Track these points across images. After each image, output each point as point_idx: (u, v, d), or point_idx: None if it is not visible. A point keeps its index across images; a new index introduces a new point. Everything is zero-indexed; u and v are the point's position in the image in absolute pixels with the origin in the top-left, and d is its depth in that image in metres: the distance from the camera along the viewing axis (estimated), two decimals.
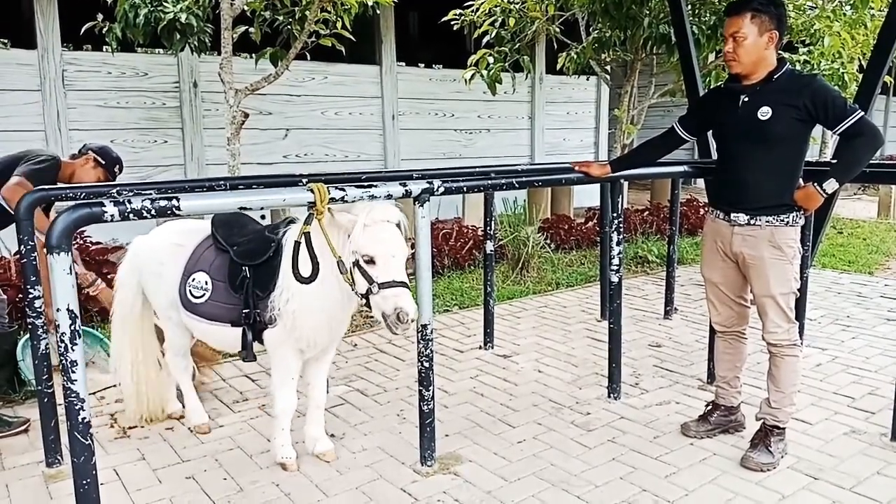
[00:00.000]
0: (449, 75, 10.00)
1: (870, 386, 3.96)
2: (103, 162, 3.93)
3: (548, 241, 7.30)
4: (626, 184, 10.79)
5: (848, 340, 4.78)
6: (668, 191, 6.07)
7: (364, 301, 2.70)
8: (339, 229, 2.72)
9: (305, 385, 3.20)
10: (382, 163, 9.57)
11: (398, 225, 2.74)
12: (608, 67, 7.54)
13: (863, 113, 2.80)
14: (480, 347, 4.72)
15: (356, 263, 2.66)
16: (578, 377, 4.18)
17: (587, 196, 9.65)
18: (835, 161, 2.99)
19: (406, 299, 2.61)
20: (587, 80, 10.58)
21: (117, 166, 4.00)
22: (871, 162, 3.08)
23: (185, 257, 3.15)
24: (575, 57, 6.96)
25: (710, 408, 3.41)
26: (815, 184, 2.86)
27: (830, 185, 2.84)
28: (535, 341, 4.87)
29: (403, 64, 9.80)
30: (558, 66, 7.39)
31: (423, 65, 10.09)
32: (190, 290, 3.09)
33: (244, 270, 2.96)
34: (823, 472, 3.02)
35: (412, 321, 2.61)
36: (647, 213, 8.83)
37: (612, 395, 3.82)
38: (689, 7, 6.27)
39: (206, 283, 3.05)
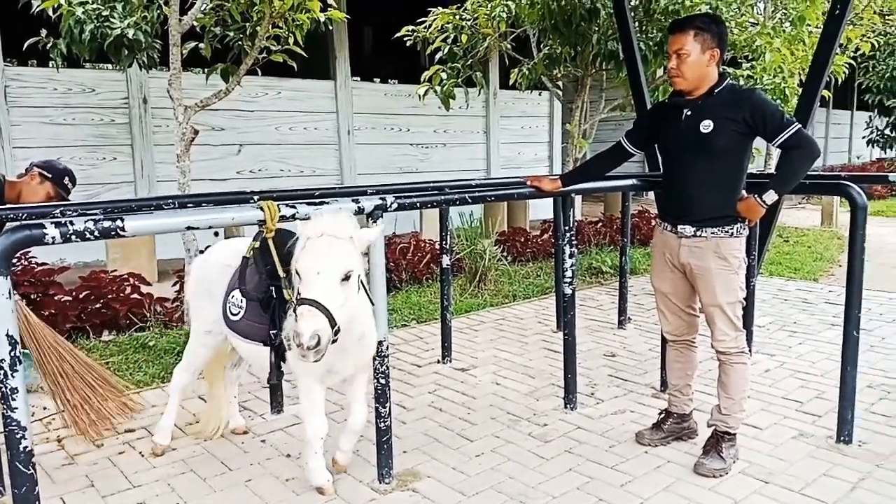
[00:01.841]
0: (404, 90, 10.04)
1: (816, 390, 4.08)
2: (50, 175, 3.80)
3: (504, 254, 7.35)
4: (578, 197, 10.97)
5: (795, 346, 4.92)
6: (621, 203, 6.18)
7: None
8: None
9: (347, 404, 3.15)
10: (339, 178, 9.53)
11: (350, 239, 2.55)
12: (559, 83, 7.66)
13: (800, 126, 2.91)
14: (438, 361, 4.72)
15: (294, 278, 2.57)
16: (535, 389, 4.21)
17: (542, 209, 9.76)
18: (774, 173, 3.09)
19: (305, 321, 2.37)
20: (539, 95, 10.72)
21: (66, 178, 3.86)
22: (811, 173, 3.19)
23: (230, 275, 3.12)
24: (527, 73, 7.06)
25: (663, 416, 3.47)
26: (756, 196, 2.95)
27: (770, 196, 2.94)
28: (492, 354, 4.89)
29: (358, 79, 9.80)
30: (510, 82, 7.48)
31: (378, 80, 10.11)
32: (229, 308, 3.06)
33: (271, 290, 2.85)
34: (773, 475, 3.09)
35: (308, 349, 2.35)
36: (600, 224, 8.98)
37: (568, 405, 3.86)
38: (637, 24, 6.42)
39: (241, 301, 3.00)
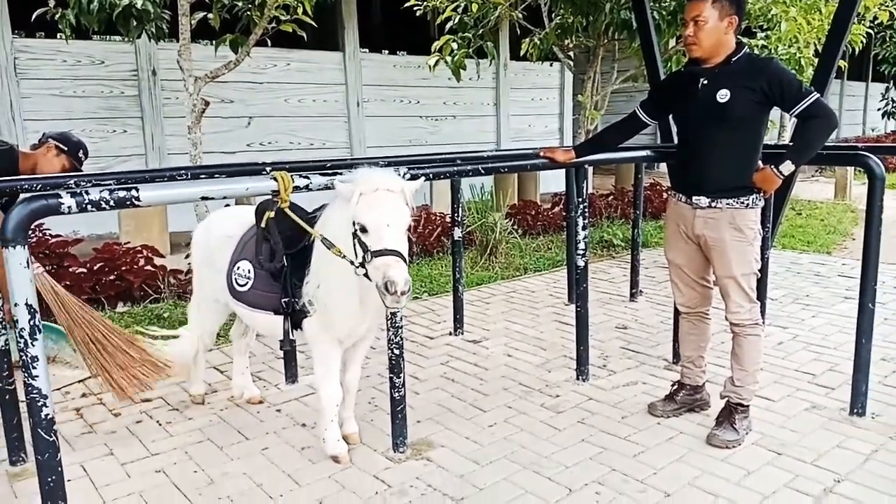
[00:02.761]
0: (413, 62, 9.94)
1: (829, 363, 4.07)
2: (66, 148, 3.79)
3: (515, 227, 7.33)
4: (590, 169, 10.90)
5: (808, 319, 4.91)
6: (633, 175, 6.14)
7: (364, 272, 2.58)
8: (342, 200, 2.64)
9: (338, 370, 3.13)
10: (348, 150, 9.50)
11: (401, 193, 2.62)
12: (571, 53, 7.58)
13: (818, 95, 2.86)
14: (450, 333, 4.74)
15: (355, 233, 2.59)
16: (547, 360, 4.22)
17: (554, 181, 9.71)
18: (791, 143, 3.05)
19: (395, 269, 2.45)
20: (550, 66, 10.62)
21: (81, 151, 3.87)
22: (827, 144, 3.16)
23: (232, 247, 3.15)
24: (538, 43, 6.98)
25: (675, 387, 3.48)
26: (772, 166, 2.92)
27: (786, 167, 2.90)
28: (504, 326, 4.90)
29: (367, 50, 9.72)
30: (521, 53, 7.40)
31: (387, 51, 10.02)
32: (235, 279, 3.08)
33: (283, 259, 2.90)
34: (786, 447, 3.10)
35: (402, 293, 2.45)
36: (611, 197, 8.92)
37: (580, 377, 3.87)
38: None
39: (249, 271, 3.03)
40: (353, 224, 2.57)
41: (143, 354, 3.56)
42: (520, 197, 9.35)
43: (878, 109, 17.71)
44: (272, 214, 2.82)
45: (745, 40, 7.20)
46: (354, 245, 2.59)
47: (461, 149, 9.41)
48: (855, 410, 3.37)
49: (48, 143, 3.74)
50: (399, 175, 2.79)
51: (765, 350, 4.18)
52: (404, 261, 2.51)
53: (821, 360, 4.12)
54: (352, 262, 2.60)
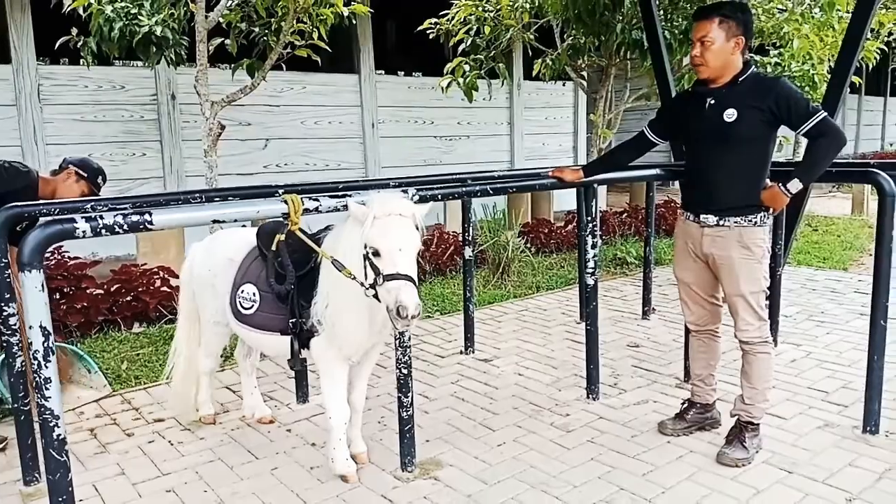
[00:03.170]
0: (428, 83, 10.04)
1: (843, 380, 4.03)
2: (86, 175, 3.88)
3: (528, 245, 7.35)
4: (603, 187, 10.89)
5: (822, 336, 4.87)
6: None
7: (374, 294, 2.63)
8: (355, 222, 2.70)
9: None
10: (363, 171, 9.58)
11: (413, 217, 2.67)
12: (584, 73, 7.62)
13: (825, 114, 2.87)
14: (461, 352, 4.75)
15: (366, 256, 2.64)
16: (558, 379, 4.22)
17: (567, 200, 9.72)
18: (799, 161, 3.06)
19: (406, 293, 2.51)
20: (563, 85, 10.66)
21: (100, 177, 3.96)
22: (838, 161, 3.16)
23: (234, 270, 3.20)
24: (550, 63, 7.03)
25: (685, 406, 3.46)
26: (780, 184, 2.93)
27: (794, 185, 2.91)
28: (515, 345, 4.91)
29: (383, 72, 9.84)
30: (534, 73, 7.46)
31: (402, 73, 10.13)
32: (240, 302, 3.13)
33: (290, 281, 2.95)
34: (797, 465, 3.07)
35: (413, 317, 2.52)
36: (625, 215, 8.92)
37: (590, 395, 3.87)
38: (661, 12, 6.36)
39: (254, 294, 3.09)
40: (365, 247, 2.62)
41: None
42: (533, 215, 9.37)
43: None
44: (282, 237, 2.87)
45: (757, 58, 7.21)
46: (365, 267, 2.64)
47: (475, 168, 9.45)
48: (868, 428, 3.33)
49: (68, 168, 3.82)
50: (409, 198, 2.84)
51: (777, 367, 4.18)
52: (415, 284, 2.57)
53: (834, 377, 4.09)
54: (362, 284, 2.65)
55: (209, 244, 3.48)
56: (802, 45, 6.54)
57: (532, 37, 7.10)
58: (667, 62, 5.86)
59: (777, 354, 4.49)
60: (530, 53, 7.53)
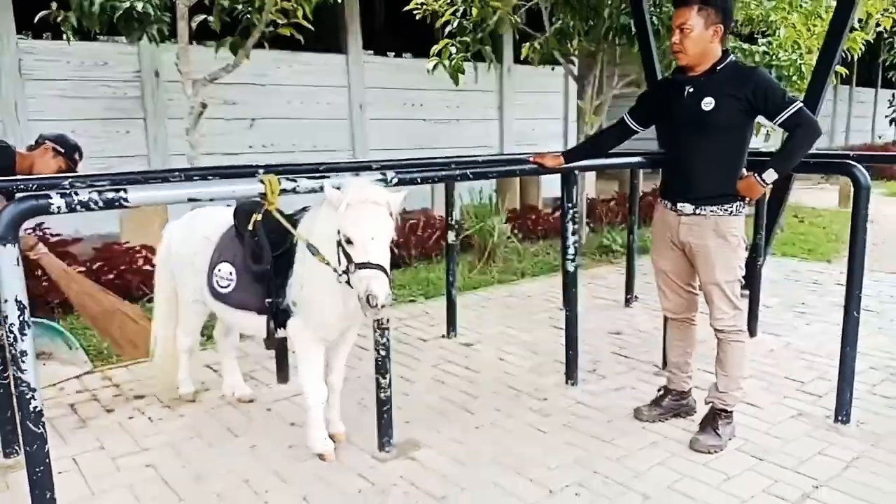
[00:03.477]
0: (416, 65, 9.95)
1: (819, 371, 4.08)
2: (62, 151, 3.87)
3: (515, 232, 7.36)
4: (592, 174, 10.89)
5: (802, 327, 4.92)
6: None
7: (346, 280, 2.65)
8: (329, 207, 2.70)
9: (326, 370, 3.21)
10: (351, 153, 9.54)
11: (387, 205, 2.66)
12: (573, 58, 7.59)
13: (801, 105, 2.88)
14: (444, 336, 4.77)
15: (339, 242, 2.65)
16: (539, 364, 4.26)
17: (556, 187, 9.64)
18: (774, 152, 3.08)
19: (377, 283, 2.54)
20: (552, 70, 10.63)
21: (77, 153, 3.95)
22: (815, 152, 3.18)
23: (211, 248, 3.20)
24: (538, 47, 7.01)
25: (661, 392, 3.50)
26: (756, 174, 2.95)
27: (769, 174, 2.93)
28: (498, 330, 4.94)
29: (371, 52, 9.76)
30: (522, 57, 7.43)
31: (392, 54, 10.06)
32: (217, 281, 3.13)
33: (267, 261, 2.94)
34: (769, 453, 3.12)
35: (383, 306, 2.55)
36: (613, 202, 8.94)
37: (569, 381, 3.90)
38: None
39: (231, 273, 3.09)
40: (339, 234, 2.63)
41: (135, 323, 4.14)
42: (522, 201, 9.38)
43: (886, 116, 17.63)
44: (259, 217, 2.87)
45: (745, 46, 7.21)
46: (339, 253, 2.65)
47: (464, 152, 9.41)
48: (840, 418, 3.39)
49: (45, 144, 3.80)
50: (388, 181, 2.84)
51: (755, 357, 4.23)
52: (386, 274, 2.57)
53: (811, 368, 4.14)
54: (335, 270, 2.66)
55: (187, 222, 3.47)
56: (789, 35, 6.55)
57: (518, 20, 7.05)
58: (654, 48, 5.85)
59: (756, 344, 4.54)
60: (517, 37, 7.48)
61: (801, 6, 6.86)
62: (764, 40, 7.26)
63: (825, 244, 7.91)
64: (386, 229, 2.64)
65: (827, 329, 4.84)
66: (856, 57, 7.70)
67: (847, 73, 6.95)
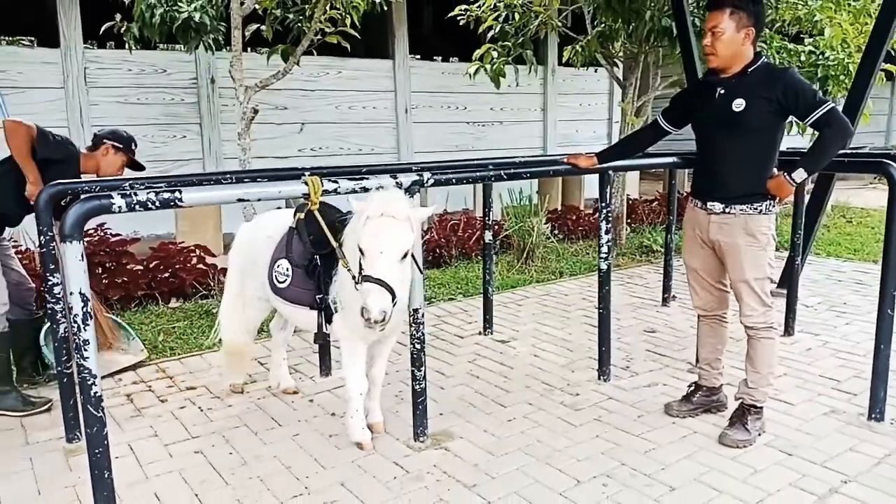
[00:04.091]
0: (461, 69, 10.10)
1: (855, 369, 4.07)
2: (121, 146, 4.10)
3: (555, 232, 7.44)
4: (636, 175, 10.84)
5: (841, 326, 4.88)
6: (680, 181, 6.15)
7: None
8: (357, 217, 2.83)
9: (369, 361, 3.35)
10: (396, 156, 9.74)
11: (407, 219, 2.73)
12: (617, 60, 7.62)
13: (832, 105, 2.92)
14: (480, 333, 4.90)
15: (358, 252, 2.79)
16: (572, 361, 4.34)
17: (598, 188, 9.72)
18: (805, 151, 3.11)
19: (373, 298, 2.61)
20: (595, 71, 10.66)
21: (133, 144, 4.16)
22: (856, 151, 3.20)
23: (273, 246, 3.39)
24: (580, 50, 7.07)
25: (692, 388, 3.56)
26: (785, 173, 2.99)
27: (799, 174, 2.97)
28: (533, 327, 5.03)
29: (418, 57, 9.95)
30: (564, 59, 7.50)
31: (440, 58, 10.23)
32: (276, 276, 3.33)
33: (315, 258, 3.13)
34: (798, 448, 3.15)
35: (375, 322, 2.61)
36: (655, 203, 8.92)
37: (601, 377, 3.98)
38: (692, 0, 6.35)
39: (288, 269, 3.27)
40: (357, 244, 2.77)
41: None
42: (564, 202, 9.44)
43: None
44: (302, 216, 3.05)
45: (791, 46, 7.13)
46: (358, 262, 2.80)
47: (507, 154, 9.53)
48: (873, 415, 3.39)
49: (104, 143, 4.04)
50: (423, 185, 2.97)
51: (792, 356, 4.24)
52: (388, 290, 2.65)
53: (847, 366, 4.12)
54: (353, 277, 2.81)
55: (255, 222, 3.69)
56: (835, 34, 6.46)
57: (559, 24, 7.13)
58: (695, 50, 5.86)
59: (793, 343, 4.54)
60: (559, 39, 7.56)
61: (849, 4, 6.75)
62: (810, 40, 7.16)
63: (872, 244, 7.75)
64: (399, 245, 2.70)
65: (866, 328, 4.79)
66: None
67: (894, 70, 6.79)
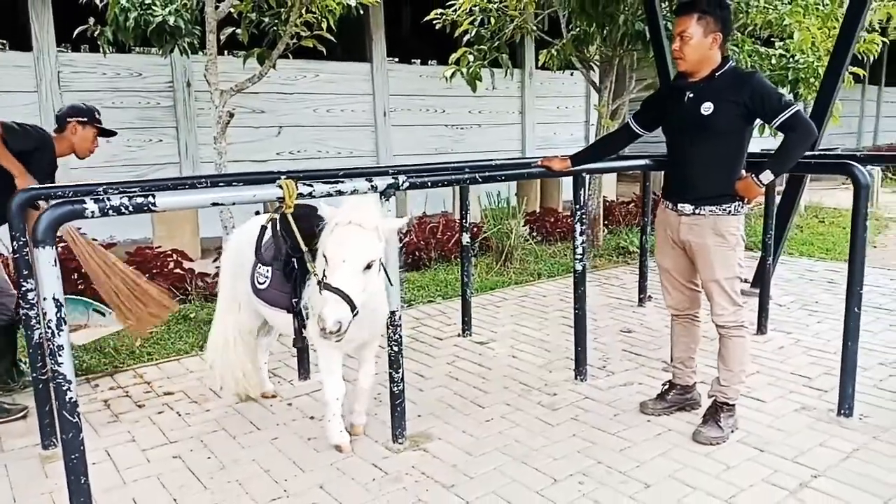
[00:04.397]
0: (439, 72, 10.11)
1: (826, 367, 4.15)
2: (86, 119, 4.04)
3: (534, 234, 7.49)
4: (613, 177, 10.94)
5: (813, 324, 4.98)
6: (654, 183, 6.21)
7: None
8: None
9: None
10: (375, 159, 9.75)
11: (375, 229, 2.73)
12: (592, 63, 7.70)
13: (798, 108, 2.99)
14: (459, 335, 4.93)
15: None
16: (550, 361, 4.38)
17: None
18: (772, 153, 3.18)
19: (329, 308, 2.61)
20: (571, 75, 10.76)
21: (96, 113, 4.12)
22: (814, 153, 3.27)
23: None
24: (555, 53, 7.13)
25: (666, 387, 3.61)
26: (753, 175, 3.06)
27: (766, 175, 3.04)
28: (512, 329, 5.07)
29: (395, 60, 9.98)
30: (540, 63, 7.57)
31: (418, 61, 10.26)
32: (256, 278, 3.33)
33: (292, 261, 3.12)
34: (770, 445, 3.21)
35: (330, 333, 2.60)
36: (631, 204, 9.01)
37: (578, 377, 4.02)
38: (664, 3, 6.44)
39: (268, 271, 3.27)
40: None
41: (154, 300, 4.18)
42: (542, 204, 9.51)
43: None
44: (276, 216, 3.06)
45: (762, 49, 7.25)
46: (320, 269, 2.80)
47: (485, 157, 9.58)
48: (842, 412, 3.46)
49: (69, 122, 3.98)
50: (398, 188, 2.98)
51: (764, 354, 4.32)
52: (347, 300, 2.64)
53: (818, 363, 4.21)
54: (319, 283, 2.80)
55: (242, 228, 3.68)
56: (804, 38, 6.58)
57: (534, 28, 7.19)
58: (668, 53, 5.94)
59: (766, 341, 4.63)
60: (535, 44, 7.63)
61: (817, 9, 6.88)
62: (781, 43, 7.29)
63: (844, 244, 7.85)
64: (362, 255, 2.69)
65: (837, 327, 4.78)
66: (884, 58, 7.68)
67: (864, 73, 6.94)
